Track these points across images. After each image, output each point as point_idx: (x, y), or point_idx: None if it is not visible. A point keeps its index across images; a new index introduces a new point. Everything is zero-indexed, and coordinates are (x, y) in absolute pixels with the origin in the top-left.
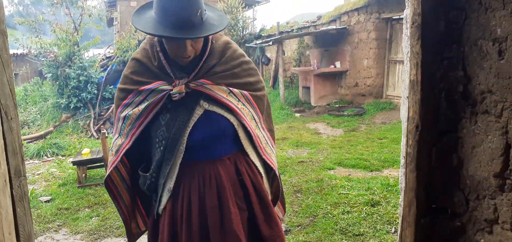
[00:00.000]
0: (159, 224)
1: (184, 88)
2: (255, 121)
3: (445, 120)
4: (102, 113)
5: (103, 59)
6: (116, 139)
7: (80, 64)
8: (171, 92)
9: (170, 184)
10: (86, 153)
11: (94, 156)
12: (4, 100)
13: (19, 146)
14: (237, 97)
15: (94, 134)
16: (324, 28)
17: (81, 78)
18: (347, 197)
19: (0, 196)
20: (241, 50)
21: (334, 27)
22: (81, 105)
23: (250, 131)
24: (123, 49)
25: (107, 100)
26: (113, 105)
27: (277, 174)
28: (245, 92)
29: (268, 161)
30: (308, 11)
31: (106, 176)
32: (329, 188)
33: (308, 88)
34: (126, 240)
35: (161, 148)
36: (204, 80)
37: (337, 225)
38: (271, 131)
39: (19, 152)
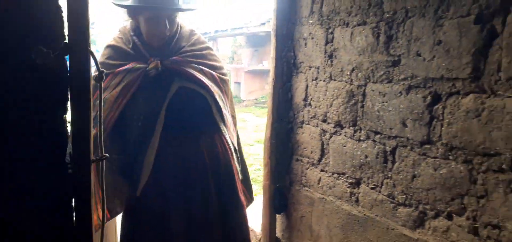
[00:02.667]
0: (136, 207)
1: (159, 63)
2: (223, 101)
3: (286, 76)
4: None
5: None
6: None
7: None
8: (147, 69)
9: (151, 158)
10: None
11: None
12: None
13: None
14: (207, 76)
15: None
16: (254, 30)
17: None
18: (260, 161)
19: None
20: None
21: (263, 29)
22: None
23: (221, 107)
24: None
25: None
26: None
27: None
28: (213, 72)
29: (232, 141)
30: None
31: (100, 160)
32: (247, 155)
33: (239, 83)
34: None
35: (139, 123)
36: (177, 57)
37: (250, 177)
38: (233, 117)
39: None
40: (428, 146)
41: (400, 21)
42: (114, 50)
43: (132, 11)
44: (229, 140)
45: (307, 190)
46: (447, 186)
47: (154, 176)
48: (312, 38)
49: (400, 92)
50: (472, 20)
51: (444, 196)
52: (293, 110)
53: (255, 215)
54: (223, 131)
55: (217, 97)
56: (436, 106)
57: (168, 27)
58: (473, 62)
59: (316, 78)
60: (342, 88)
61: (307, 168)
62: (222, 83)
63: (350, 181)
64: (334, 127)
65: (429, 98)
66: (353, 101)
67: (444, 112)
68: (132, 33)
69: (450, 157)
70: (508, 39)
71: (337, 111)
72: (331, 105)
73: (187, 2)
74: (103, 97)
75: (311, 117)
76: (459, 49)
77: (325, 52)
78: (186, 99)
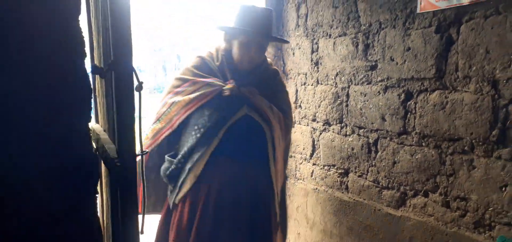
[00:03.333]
0: (172, 214)
1: (235, 86)
2: (279, 143)
3: None
4: None
5: None
6: (153, 123)
7: None
8: (223, 88)
9: (197, 171)
10: None
11: None
12: None
13: None
14: (274, 115)
15: None
16: None
17: None
18: None
19: None
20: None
21: None
22: None
23: (276, 148)
24: None
25: None
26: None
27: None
28: (280, 115)
29: (276, 184)
30: None
31: (141, 156)
32: None
33: None
34: None
35: (198, 134)
36: (253, 89)
37: None
38: (285, 162)
39: None
40: (404, 136)
41: (375, 31)
42: (202, 62)
43: (228, 34)
44: (274, 181)
45: (301, 183)
46: (422, 168)
47: (195, 189)
48: (299, 48)
49: (379, 92)
50: (433, 30)
51: (420, 177)
52: None
53: None
54: (272, 171)
55: (276, 136)
56: (409, 102)
57: (256, 53)
58: (436, 64)
59: (305, 83)
60: (328, 91)
61: (301, 163)
62: (285, 127)
63: (340, 171)
64: (323, 125)
65: (403, 95)
66: (339, 101)
67: (416, 106)
68: (223, 53)
69: (423, 144)
70: (462, 45)
71: (325, 111)
72: (319, 106)
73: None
74: (175, 99)
75: (302, 118)
76: (425, 54)
77: (312, 60)
78: (247, 127)
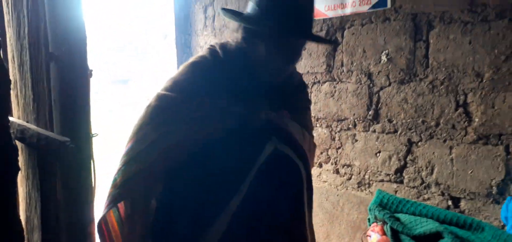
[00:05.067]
0: None
1: (264, 114)
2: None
3: None
4: None
5: None
6: (123, 165)
7: None
8: (252, 115)
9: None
10: None
11: None
12: None
13: None
14: (306, 142)
15: None
16: None
17: None
18: None
19: None
20: None
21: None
22: None
23: (312, 188)
24: None
25: None
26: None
27: None
28: (310, 137)
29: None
30: None
31: (102, 213)
32: None
33: None
34: None
35: (211, 196)
36: (285, 112)
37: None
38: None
39: None
40: None
41: None
42: (202, 73)
43: (251, 30)
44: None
45: None
46: (317, 144)
47: None
48: None
49: None
50: (323, 34)
51: (316, 152)
52: None
53: None
54: (306, 224)
55: (310, 172)
56: None
57: (296, 60)
58: (327, 61)
59: None
60: None
61: None
62: (314, 152)
63: None
64: None
65: None
66: None
67: (311, 95)
68: (235, 55)
69: (317, 125)
70: (346, 46)
71: None
72: None
73: None
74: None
75: None
76: (317, 53)
77: None
78: (277, 168)
